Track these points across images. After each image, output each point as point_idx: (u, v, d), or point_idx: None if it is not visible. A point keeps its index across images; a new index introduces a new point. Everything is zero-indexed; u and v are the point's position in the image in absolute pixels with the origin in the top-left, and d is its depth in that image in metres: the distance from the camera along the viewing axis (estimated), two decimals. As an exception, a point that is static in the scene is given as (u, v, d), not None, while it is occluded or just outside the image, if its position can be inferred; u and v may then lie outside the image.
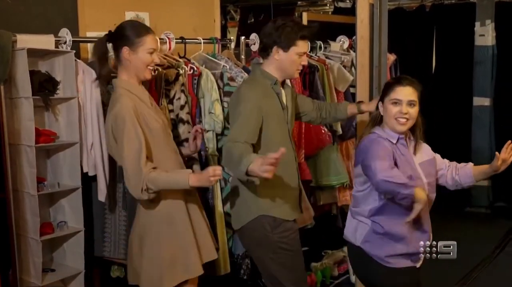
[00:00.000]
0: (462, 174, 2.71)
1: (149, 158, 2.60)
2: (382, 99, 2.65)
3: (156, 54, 2.72)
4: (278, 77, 2.83)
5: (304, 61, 2.83)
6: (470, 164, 2.74)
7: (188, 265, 2.71)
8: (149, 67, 2.70)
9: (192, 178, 2.54)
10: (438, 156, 2.78)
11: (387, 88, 2.64)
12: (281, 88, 2.88)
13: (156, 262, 2.67)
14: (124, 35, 2.68)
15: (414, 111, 2.58)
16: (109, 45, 3.01)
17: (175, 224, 2.69)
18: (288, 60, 2.78)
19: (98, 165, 3.05)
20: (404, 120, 2.57)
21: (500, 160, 2.54)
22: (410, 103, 2.57)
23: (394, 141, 2.60)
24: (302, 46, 2.77)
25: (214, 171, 2.50)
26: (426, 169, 2.65)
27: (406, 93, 2.57)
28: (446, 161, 2.77)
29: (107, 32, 2.75)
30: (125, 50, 2.66)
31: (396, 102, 2.57)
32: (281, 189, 2.80)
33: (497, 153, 2.56)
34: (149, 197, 2.54)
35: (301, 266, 2.92)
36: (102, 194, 3.06)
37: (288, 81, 2.99)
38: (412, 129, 2.66)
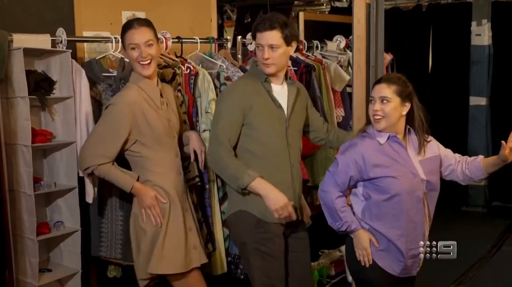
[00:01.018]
0: (472, 168, 2.69)
1: (139, 152, 2.75)
2: None
3: (143, 49, 2.69)
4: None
5: (264, 53, 2.68)
6: (480, 157, 2.71)
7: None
8: (140, 62, 2.71)
9: (136, 186, 2.72)
10: (448, 151, 2.73)
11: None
12: (277, 85, 2.80)
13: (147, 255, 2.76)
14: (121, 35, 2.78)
15: (388, 108, 2.52)
16: (108, 45, 3.06)
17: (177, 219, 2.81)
18: (256, 54, 2.77)
19: None
20: (378, 117, 2.54)
21: (508, 149, 2.49)
22: (382, 100, 2.53)
23: (382, 142, 2.57)
24: (259, 37, 2.70)
25: (151, 209, 2.71)
26: (427, 166, 2.62)
27: (378, 90, 2.55)
28: (456, 155, 2.73)
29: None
30: (121, 50, 2.78)
31: (371, 100, 2.58)
32: None
33: (503, 142, 2.50)
34: (88, 177, 2.84)
35: (278, 272, 2.82)
36: (89, 196, 3.06)
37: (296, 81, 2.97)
38: (412, 126, 2.63)
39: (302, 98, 2.93)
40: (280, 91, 2.82)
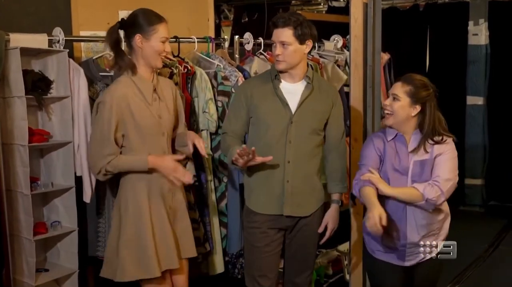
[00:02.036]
0: None
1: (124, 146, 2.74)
2: None
3: (168, 43, 2.78)
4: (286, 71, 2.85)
5: (276, 50, 2.77)
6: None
7: (146, 264, 2.71)
8: (161, 55, 2.76)
9: (151, 160, 2.69)
10: (441, 170, 2.61)
11: None
12: (289, 83, 2.84)
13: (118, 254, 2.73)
14: (137, 22, 2.72)
15: (396, 106, 2.59)
16: (104, 45, 3.04)
17: (138, 224, 2.73)
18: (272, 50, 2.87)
19: (84, 166, 3.04)
20: (387, 112, 2.63)
21: None
22: (394, 98, 2.60)
23: (388, 139, 2.66)
24: (273, 34, 2.79)
25: (177, 172, 2.69)
26: (417, 168, 2.63)
27: (394, 87, 2.64)
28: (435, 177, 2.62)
29: (118, 21, 2.79)
30: (138, 38, 2.71)
31: (388, 96, 2.68)
32: (262, 183, 2.84)
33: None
34: (104, 178, 2.74)
35: (257, 263, 2.90)
36: (87, 195, 3.06)
37: (319, 81, 2.97)
38: (421, 130, 2.63)
39: (321, 100, 2.89)
40: (292, 89, 2.85)
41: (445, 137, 2.63)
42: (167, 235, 2.77)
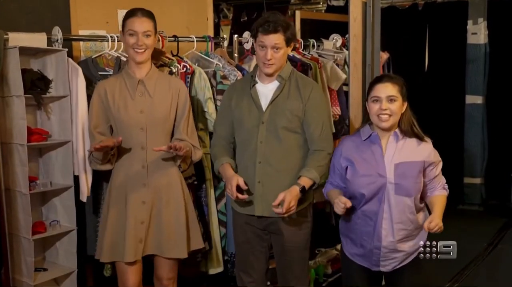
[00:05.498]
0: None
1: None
2: (366, 98, 2.68)
3: (140, 37, 2.76)
4: (261, 73, 2.85)
5: (267, 54, 2.73)
6: (433, 194, 2.69)
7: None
8: (135, 49, 2.79)
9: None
10: (437, 177, 2.68)
11: (369, 87, 2.68)
12: (264, 83, 2.84)
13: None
14: None
15: (395, 106, 2.57)
16: (104, 44, 3.05)
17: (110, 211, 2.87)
18: (256, 53, 2.83)
19: (80, 166, 3.04)
20: (385, 116, 2.58)
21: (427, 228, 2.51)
22: (390, 99, 2.57)
23: (363, 139, 2.66)
24: (263, 39, 2.73)
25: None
26: (401, 170, 2.58)
27: (384, 89, 2.58)
28: (436, 181, 2.68)
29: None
30: (120, 34, 2.87)
31: (376, 100, 2.60)
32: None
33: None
34: (95, 167, 2.88)
35: (241, 260, 3.01)
36: (83, 194, 3.06)
37: (295, 79, 2.88)
38: (404, 126, 2.62)
39: (295, 99, 2.83)
40: (265, 89, 2.85)
41: (425, 137, 2.66)
42: (127, 226, 2.81)
